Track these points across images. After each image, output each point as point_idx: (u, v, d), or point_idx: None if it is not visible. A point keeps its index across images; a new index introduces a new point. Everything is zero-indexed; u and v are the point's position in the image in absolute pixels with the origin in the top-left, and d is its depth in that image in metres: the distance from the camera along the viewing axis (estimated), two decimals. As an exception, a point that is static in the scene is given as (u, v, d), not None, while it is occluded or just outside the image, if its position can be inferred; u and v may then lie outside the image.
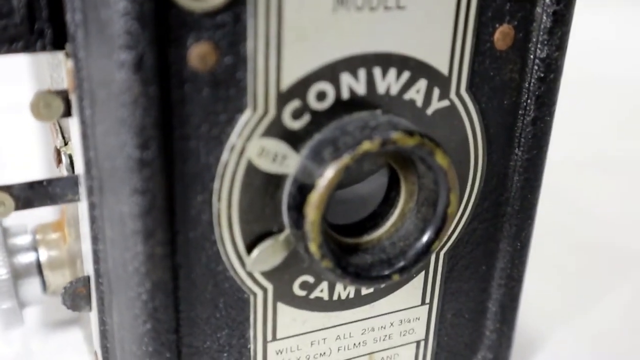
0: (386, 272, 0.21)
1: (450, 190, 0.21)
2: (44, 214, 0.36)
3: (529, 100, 0.23)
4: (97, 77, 0.18)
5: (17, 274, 0.28)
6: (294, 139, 0.20)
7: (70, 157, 0.23)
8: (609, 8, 0.72)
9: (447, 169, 0.21)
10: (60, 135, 0.24)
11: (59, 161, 0.23)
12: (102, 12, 0.17)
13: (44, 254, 0.28)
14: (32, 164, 0.41)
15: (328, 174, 0.19)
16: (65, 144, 0.23)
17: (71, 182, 0.21)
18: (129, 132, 0.18)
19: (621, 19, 0.72)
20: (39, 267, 0.28)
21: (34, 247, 0.28)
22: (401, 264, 0.22)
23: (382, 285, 0.23)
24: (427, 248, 0.22)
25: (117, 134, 0.18)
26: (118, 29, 0.17)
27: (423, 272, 0.24)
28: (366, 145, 0.19)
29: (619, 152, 0.50)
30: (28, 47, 0.18)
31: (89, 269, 0.22)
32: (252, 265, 0.21)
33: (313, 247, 0.20)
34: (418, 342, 0.26)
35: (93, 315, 0.23)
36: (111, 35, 0.17)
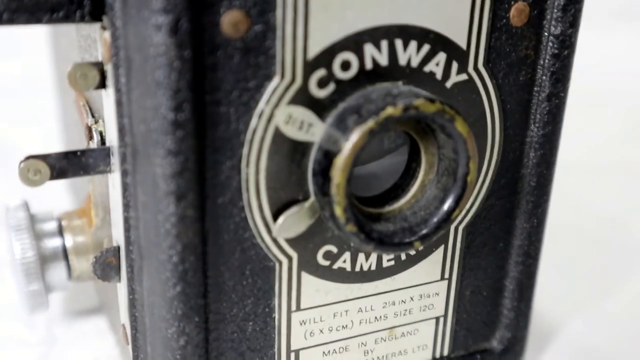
0: (408, 240, 0.22)
1: (469, 158, 0.22)
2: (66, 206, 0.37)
3: (544, 77, 0.24)
4: (134, 44, 0.19)
5: (44, 259, 0.28)
6: (320, 108, 0.21)
7: (100, 133, 0.23)
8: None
9: (467, 136, 0.21)
10: (90, 114, 0.25)
11: (90, 138, 0.24)
12: (142, -23, 0.18)
13: (69, 240, 0.29)
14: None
15: (353, 138, 0.20)
16: (96, 122, 0.24)
17: (103, 153, 0.22)
18: (164, 94, 0.18)
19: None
20: (64, 252, 0.29)
21: (60, 232, 0.29)
22: (423, 231, 0.22)
23: (404, 255, 0.24)
24: (448, 216, 0.22)
25: (153, 97, 0.19)
26: (157, -7, 0.18)
27: (442, 247, 0.25)
28: (389, 111, 0.20)
29: (623, 157, 0.51)
30: (68, 17, 0.19)
31: (119, 239, 0.23)
32: (278, 232, 0.22)
33: (338, 211, 0.20)
34: (437, 319, 0.26)
35: (122, 286, 0.24)
36: (150, 0, 0.18)
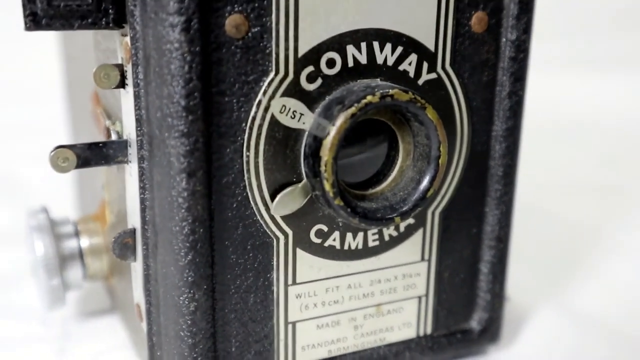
0: (389, 216, 0.25)
1: (440, 143, 0.25)
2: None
3: (504, 77, 0.27)
4: (152, 43, 0.22)
5: (62, 258, 0.31)
6: (309, 99, 0.24)
7: (117, 132, 0.27)
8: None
9: (437, 123, 0.25)
10: (106, 118, 0.28)
11: (108, 137, 0.27)
12: (159, -15, 0.21)
13: (85, 241, 0.32)
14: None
15: (338, 122, 0.23)
16: (113, 123, 0.27)
17: (122, 145, 0.26)
18: (178, 83, 0.22)
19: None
20: (80, 252, 0.32)
21: (76, 235, 0.32)
22: (403, 209, 0.25)
23: (387, 236, 0.27)
24: (424, 195, 0.25)
25: (169, 86, 0.22)
26: (172, -2, 0.21)
27: (421, 230, 0.28)
28: (369, 98, 0.23)
29: (596, 178, 0.55)
30: (95, 24, 0.23)
31: (135, 222, 0.26)
32: (275, 209, 0.25)
33: (327, 186, 0.24)
34: (420, 298, 0.29)
35: (137, 264, 0.26)
36: (166, 4, 0.21)
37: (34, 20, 0.22)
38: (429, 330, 0.30)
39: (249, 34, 0.23)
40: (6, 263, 0.40)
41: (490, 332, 0.31)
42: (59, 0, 0.22)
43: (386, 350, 0.29)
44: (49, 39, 0.62)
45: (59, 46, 0.41)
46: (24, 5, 0.22)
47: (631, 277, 0.39)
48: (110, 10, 0.23)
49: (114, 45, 0.25)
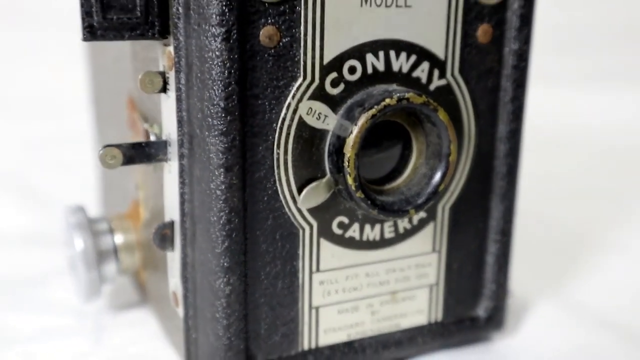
0: (405, 208, 0.28)
1: (450, 142, 0.28)
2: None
3: (507, 84, 0.30)
4: (195, 52, 0.25)
5: (99, 253, 0.34)
6: (333, 103, 0.27)
7: (155, 134, 0.29)
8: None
9: (448, 124, 0.27)
10: (144, 121, 0.30)
11: (147, 138, 0.30)
12: (204, 0, 0.24)
13: (119, 238, 0.35)
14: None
15: (360, 122, 0.26)
16: (151, 126, 0.30)
17: (162, 145, 0.28)
18: (219, 87, 0.25)
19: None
20: (114, 248, 0.34)
21: (111, 232, 0.35)
22: (417, 202, 0.28)
23: (401, 228, 0.29)
24: (436, 189, 0.28)
25: (210, 89, 0.25)
26: (215, 12, 0.24)
27: (432, 223, 0.30)
28: (387, 101, 0.26)
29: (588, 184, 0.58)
30: (143, 35, 0.26)
31: (173, 215, 0.29)
32: (302, 202, 0.27)
33: (350, 180, 0.26)
34: (431, 287, 0.31)
35: (175, 254, 0.29)
36: (209, 16, 0.24)
37: (91, 32, 0.25)
38: (439, 317, 0.32)
39: (280, 44, 0.26)
40: (35, 262, 0.42)
41: (496, 320, 0.33)
42: (112, 13, 0.25)
43: (400, 335, 0.31)
44: (70, 55, 0.65)
45: (88, 59, 0.44)
46: (82, 19, 0.24)
47: (625, 274, 0.42)
48: (156, 23, 0.26)
49: (155, 54, 0.28)
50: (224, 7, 0.24)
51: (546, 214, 0.51)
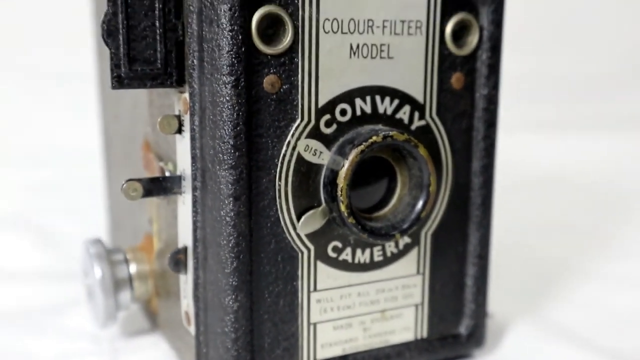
0: (392, 232, 0.32)
1: (430, 174, 0.32)
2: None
3: (479, 124, 0.34)
4: (207, 97, 0.29)
5: (116, 281, 0.37)
6: (327, 141, 0.31)
7: (170, 171, 0.33)
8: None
9: (427, 158, 0.31)
10: (159, 160, 0.34)
11: (162, 175, 0.33)
12: (216, 53, 0.28)
13: (133, 268, 0.38)
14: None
15: (350, 156, 0.30)
16: (165, 164, 0.34)
17: (177, 179, 0.32)
18: (228, 126, 0.29)
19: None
20: (129, 277, 0.38)
21: (126, 262, 0.38)
22: (402, 227, 0.32)
23: (389, 252, 0.33)
24: (419, 216, 0.32)
25: (221, 129, 0.29)
26: (226, 63, 0.28)
27: (416, 248, 0.34)
28: (374, 138, 0.30)
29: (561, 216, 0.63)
30: (162, 83, 0.30)
31: (186, 241, 0.32)
32: (300, 228, 0.31)
33: (342, 207, 0.30)
34: (417, 306, 0.35)
35: (188, 276, 0.32)
36: (221, 67, 0.28)
37: (119, 81, 0.29)
38: (425, 334, 0.35)
39: (281, 90, 0.30)
40: (51, 294, 0.46)
41: (476, 337, 0.36)
42: (137, 65, 0.29)
43: (390, 350, 0.34)
44: (79, 110, 0.70)
45: (101, 111, 0.48)
46: (111, 70, 0.29)
47: (601, 298, 0.46)
48: (173, 73, 0.30)
49: (170, 101, 0.32)
50: (233, 59, 0.28)
51: (525, 245, 0.55)
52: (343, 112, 0.31)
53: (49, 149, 0.81)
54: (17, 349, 0.39)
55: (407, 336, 0.35)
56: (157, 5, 0.29)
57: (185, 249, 0.32)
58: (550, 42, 1.07)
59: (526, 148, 0.83)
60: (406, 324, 0.35)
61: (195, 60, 0.29)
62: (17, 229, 0.59)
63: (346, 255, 0.33)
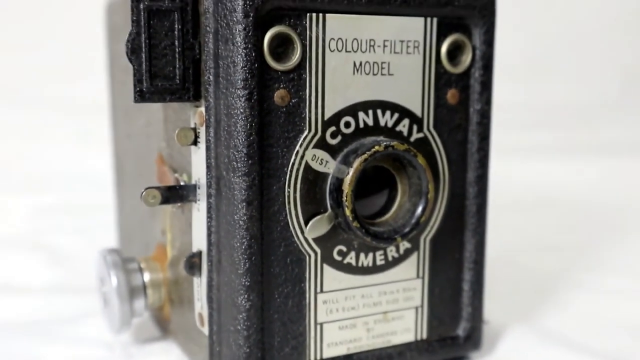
0: (393, 236, 0.34)
1: (429, 182, 0.34)
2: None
3: (473, 137, 0.37)
4: (222, 110, 0.32)
5: (131, 288, 0.39)
6: (332, 151, 0.33)
7: (184, 181, 0.35)
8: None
9: (426, 167, 0.34)
10: (173, 172, 0.37)
11: (178, 184, 0.36)
12: (231, 69, 0.31)
13: (147, 276, 0.40)
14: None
15: (354, 165, 0.32)
16: (180, 175, 0.36)
17: (192, 188, 0.34)
18: (242, 136, 0.31)
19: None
20: (144, 285, 0.40)
21: (140, 271, 0.40)
22: (403, 231, 0.34)
23: (390, 257, 0.35)
24: (418, 220, 0.34)
25: (235, 139, 0.31)
26: (240, 78, 0.30)
27: (416, 253, 0.36)
28: (376, 148, 0.33)
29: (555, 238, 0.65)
30: (180, 98, 0.32)
31: (201, 245, 0.34)
32: (308, 232, 0.33)
33: (348, 212, 0.32)
34: (417, 308, 0.37)
35: (202, 279, 0.34)
36: (235, 82, 0.31)
37: (141, 95, 0.31)
38: (424, 336, 0.37)
39: (290, 103, 0.32)
40: (65, 307, 0.47)
41: (473, 339, 0.38)
42: (157, 81, 0.31)
43: (392, 350, 0.36)
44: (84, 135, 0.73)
45: (111, 132, 0.50)
46: (134, 85, 0.31)
47: (593, 307, 0.48)
48: (190, 89, 0.32)
49: (186, 115, 0.35)
50: (247, 74, 0.31)
51: (519, 260, 0.57)
52: (347, 125, 0.33)
53: (56, 175, 0.83)
54: (31, 356, 0.40)
55: (408, 337, 0.37)
56: (176, 26, 0.32)
57: (199, 253, 0.34)
58: (541, 71, 1.11)
59: (521, 171, 0.86)
60: (407, 326, 0.37)
61: (211, 76, 0.32)
62: (27, 249, 0.61)
63: (350, 258, 0.35)
